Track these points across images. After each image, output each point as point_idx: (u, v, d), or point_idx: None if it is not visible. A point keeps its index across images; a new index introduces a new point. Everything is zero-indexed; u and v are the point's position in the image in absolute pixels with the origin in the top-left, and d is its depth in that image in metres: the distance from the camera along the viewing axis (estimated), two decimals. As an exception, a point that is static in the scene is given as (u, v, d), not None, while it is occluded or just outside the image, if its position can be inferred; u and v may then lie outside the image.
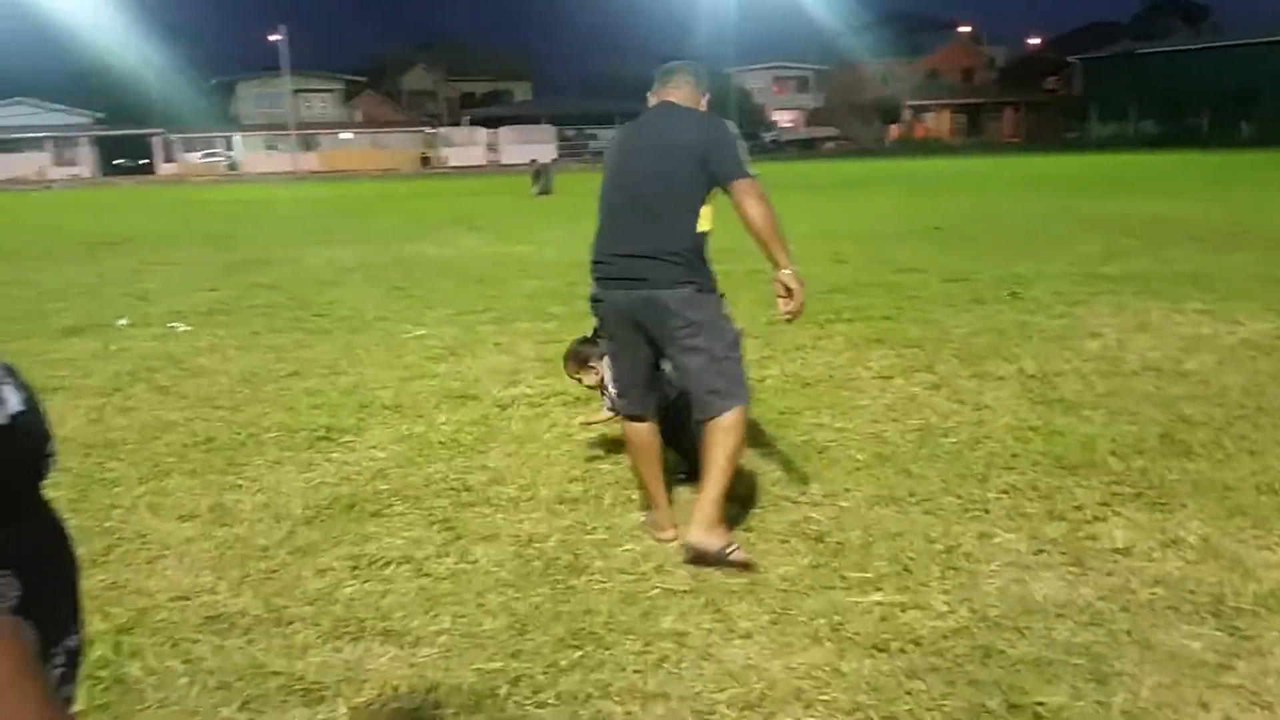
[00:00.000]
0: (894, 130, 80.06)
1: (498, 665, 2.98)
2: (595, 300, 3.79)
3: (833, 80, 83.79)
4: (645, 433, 3.92)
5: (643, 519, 4.03)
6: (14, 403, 1.06)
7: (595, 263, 3.74)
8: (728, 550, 3.57)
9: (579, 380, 4.68)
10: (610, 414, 4.39)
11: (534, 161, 35.26)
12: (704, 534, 3.57)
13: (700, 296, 3.62)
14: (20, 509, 1.10)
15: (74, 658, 1.19)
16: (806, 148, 70.87)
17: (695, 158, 3.56)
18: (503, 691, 2.84)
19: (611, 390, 4.14)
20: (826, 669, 2.90)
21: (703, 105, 3.85)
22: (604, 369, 4.25)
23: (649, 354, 3.79)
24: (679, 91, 3.82)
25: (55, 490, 4.45)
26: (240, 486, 4.59)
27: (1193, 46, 70.45)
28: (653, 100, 3.85)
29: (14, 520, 1.08)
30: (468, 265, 12.59)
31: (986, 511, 4.04)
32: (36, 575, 1.09)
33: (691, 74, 3.88)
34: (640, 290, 3.61)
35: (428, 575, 3.61)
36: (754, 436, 5.08)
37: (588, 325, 7.75)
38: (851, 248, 13.00)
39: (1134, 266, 10.48)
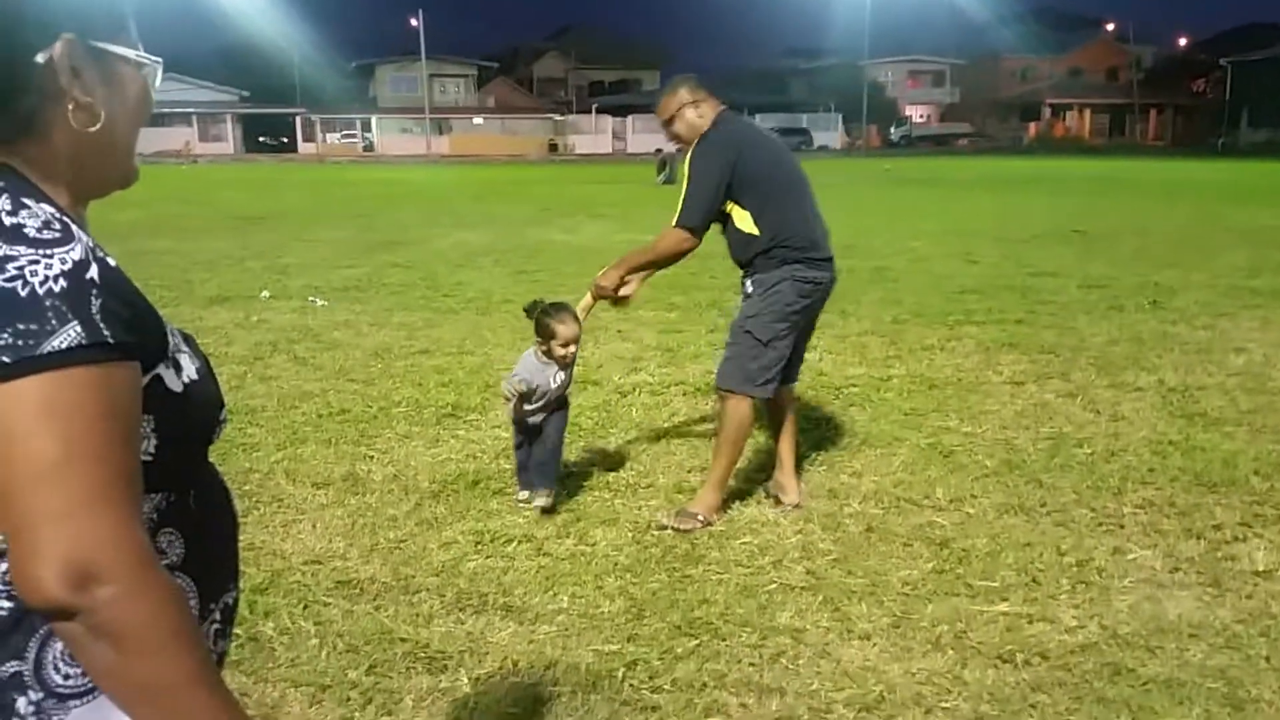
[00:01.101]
0: (1032, 129, 77.68)
1: (614, 648, 3.02)
2: (816, 283, 3.97)
3: (970, 75, 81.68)
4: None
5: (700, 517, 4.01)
6: (190, 370, 1.11)
7: (812, 246, 3.96)
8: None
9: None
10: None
11: (659, 151, 35.29)
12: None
13: None
14: (188, 471, 1.15)
15: (229, 614, 1.24)
16: (939, 144, 69.31)
17: None
18: (619, 674, 2.87)
19: (761, 376, 3.98)
20: (948, 676, 2.85)
21: None
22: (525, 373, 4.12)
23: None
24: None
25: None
26: (371, 457, 4.74)
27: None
28: (719, 108, 4.06)
29: (181, 481, 1.13)
30: (592, 252, 12.70)
31: (1121, 526, 3.91)
32: (198, 535, 1.14)
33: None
34: (832, 272, 4.06)
35: (548, 555, 3.67)
36: (878, 437, 5.02)
37: (710, 316, 7.73)
38: (985, 248, 12.68)
39: (1286, 280, 9.97)
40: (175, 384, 1.07)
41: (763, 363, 3.93)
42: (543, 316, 4.11)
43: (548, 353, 4.09)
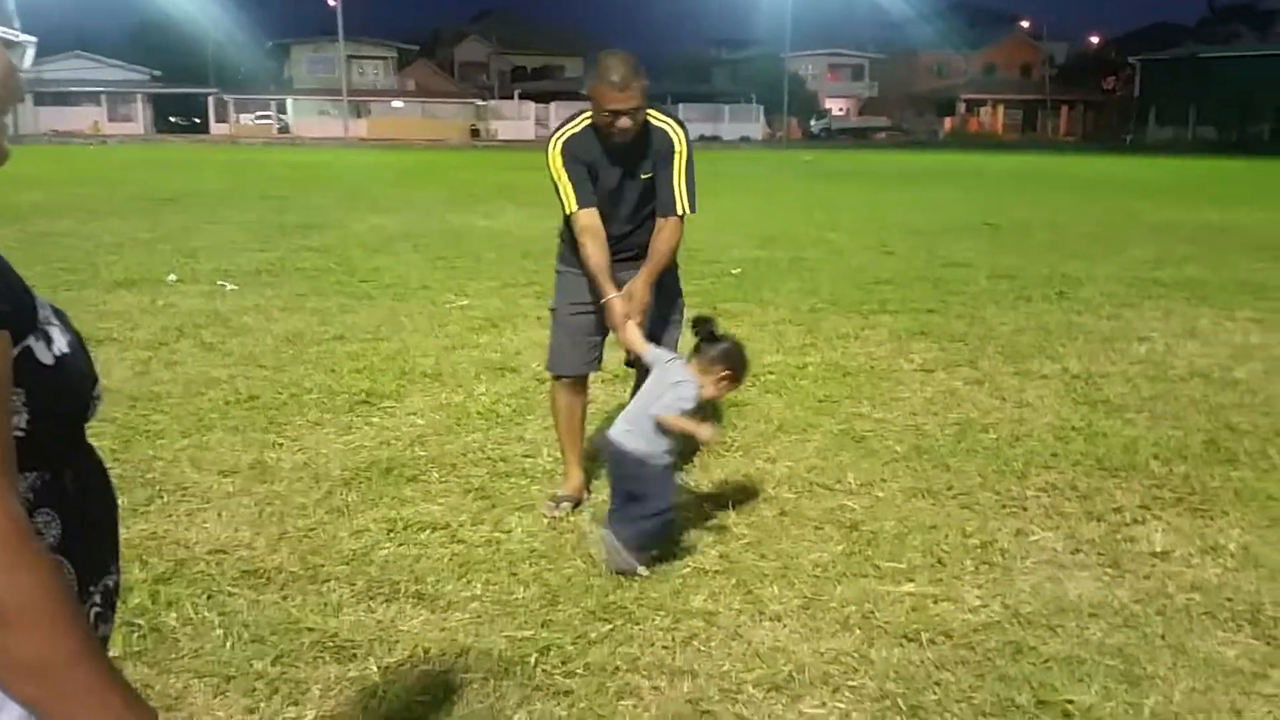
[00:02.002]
0: (948, 123, 79.17)
1: (528, 634, 3.01)
2: None
3: (888, 70, 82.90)
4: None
5: None
6: (61, 344, 1.08)
7: None
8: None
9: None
10: None
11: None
12: None
13: None
14: (63, 450, 1.11)
15: (110, 598, 1.21)
16: (858, 137, 70.25)
17: None
18: (532, 660, 2.86)
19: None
20: (855, 655, 2.90)
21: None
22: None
23: None
24: None
25: (99, 440, 4.52)
26: (281, 445, 4.65)
27: (1259, 53, 68.95)
28: None
29: (57, 460, 1.09)
30: (513, 239, 12.62)
31: (1024, 509, 4.01)
32: (75, 515, 1.11)
33: None
34: None
35: (462, 542, 3.64)
36: (793, 424, 5.08)
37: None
38: (900, 240, 12.89)
39: (1187, 273, 10.31)
40: (46, 356, 1.04)
41: None
42: (738, 349, 3.53)
43: (712, 385, 3.47)
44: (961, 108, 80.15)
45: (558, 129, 4.00)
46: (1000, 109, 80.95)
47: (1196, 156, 48.28)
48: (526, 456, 4.55)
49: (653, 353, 3.65)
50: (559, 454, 4.27)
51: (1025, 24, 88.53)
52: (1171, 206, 19.19)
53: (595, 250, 3.81)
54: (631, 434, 3.44)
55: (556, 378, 4.19)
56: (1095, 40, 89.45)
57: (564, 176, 3.91)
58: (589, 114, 3.83)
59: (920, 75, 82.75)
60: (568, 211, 3.95)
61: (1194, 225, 15.41)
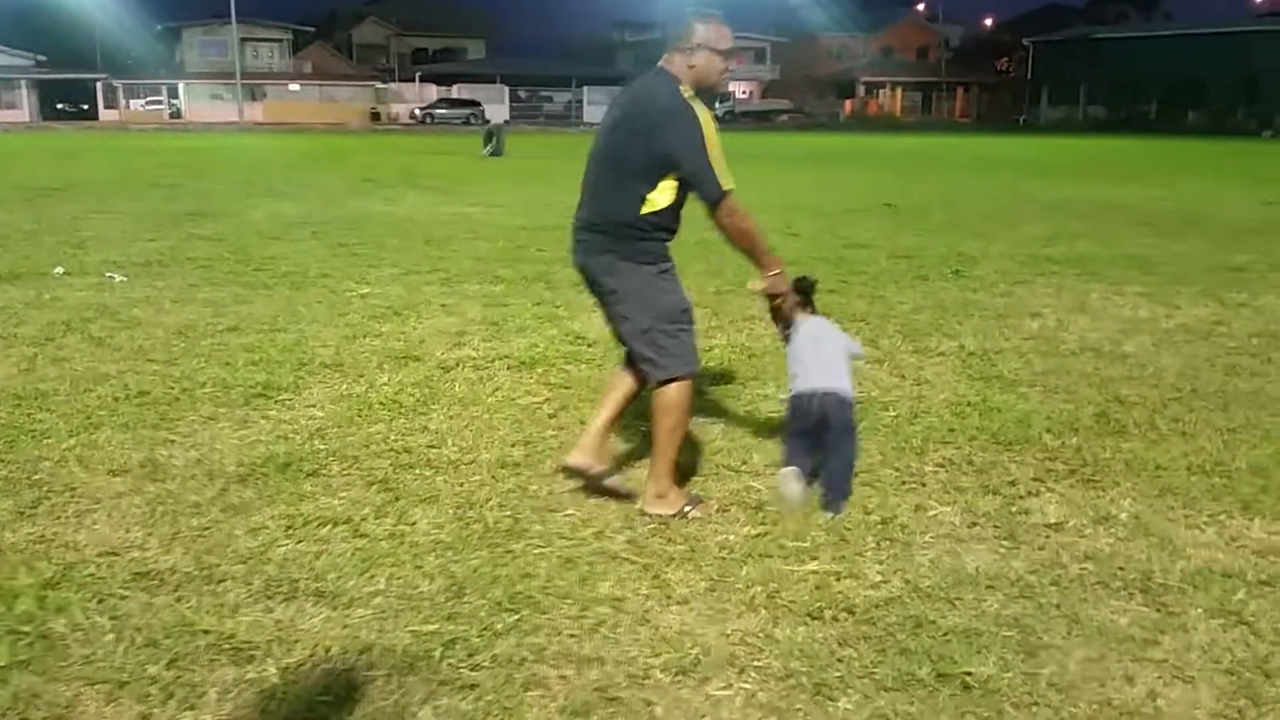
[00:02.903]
0: (848, 106, 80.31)
1: (433, 628, 2.96)
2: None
3: (789, 53, 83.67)
4: (615, 376, 3.96)
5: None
6: None
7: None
8: (684, 513, 3.73)
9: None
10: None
11: (486, 122, 34.88)
12: (654, 507, 3.75)
13: (621, 265, 3.64)
14: None
15: None
16: (761, 119, 70.82)
17: (636, 131, 3.56)
18: (437, 654, 2.82)
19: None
20: (761, 635, 2.92)
21: (686, 70, 3.60)
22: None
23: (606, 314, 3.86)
24: (663, 60, 3.66)
25: (-19, 440, 4.35)
26: (173, 442, 4.51)
27: (1145, 34, 71.38)
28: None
29: None
30: (415, 225, 12.44)
31: (923, 484, 4.09)
32: None
33: (660, 42, 3.75)
34: (586, 258, 3.76)
35: (364, 536, 3.57)
36: (697, 405, 5.09)
37: (536, 289, 7.73)
38: (803, 221, 13.04)
39: (1078, 249, 10.63)
40: None
41: None
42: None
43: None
44: (861, 90, 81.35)
45: (675, 91, 3.51)
46: (899, 91, 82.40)
47: (1088, 135, 49.87)
48: (431, 447, 4.48)
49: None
50: (466, 441, 4.21)
51: (921, 7, 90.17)
52: (1064, 184, 19.77)
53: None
54: (841, 383, 3.86)
55: (691, 377, 3.75)
56: (989, 23, 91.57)
57: (719, 148, 3.49)
58: (680, 83, 3.53)
59: (820, 59, 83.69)
60: (728, 187, 3.50)
61: (1085, 203, 15.91)
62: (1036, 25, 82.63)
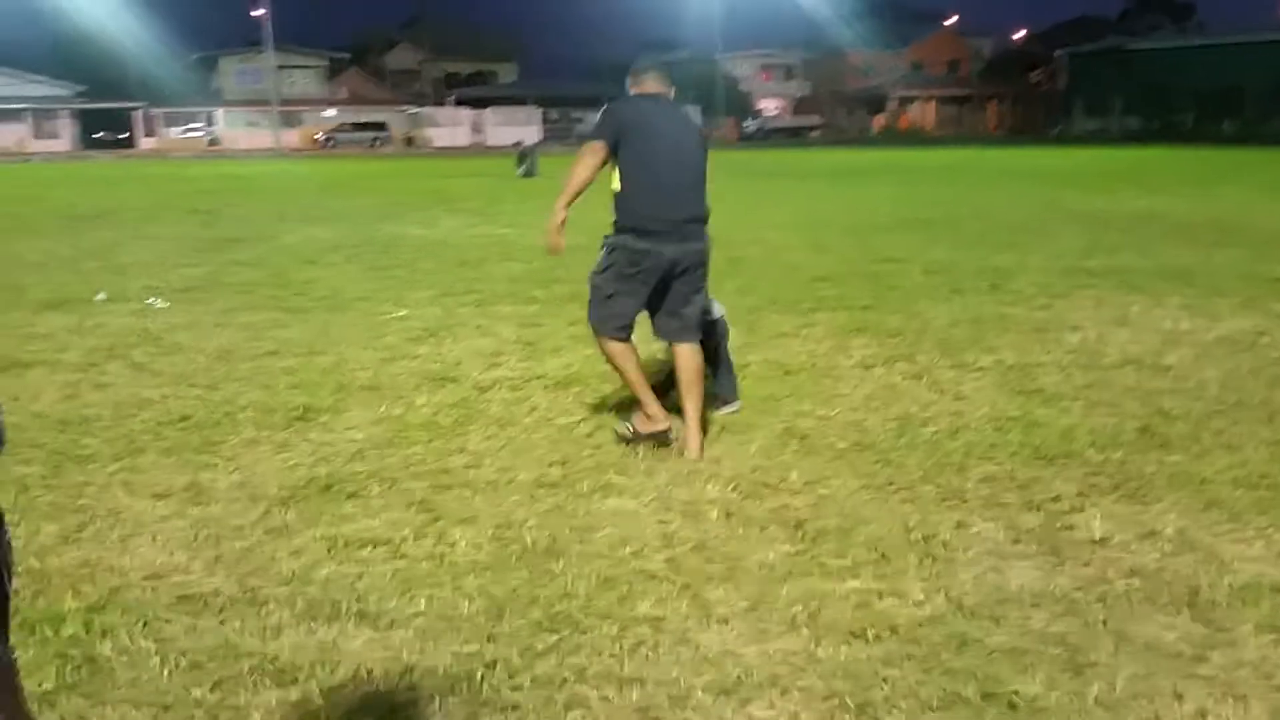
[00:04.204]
0: (879, 120, 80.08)
1: (473, 649, 2.97)
2: (645, 253, 4.54)
3: (818, 69, 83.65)
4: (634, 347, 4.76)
5: (629, 427, 4.72)
6: None
7: (651, 221, 4.54)
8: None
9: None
10: None
11: (519, 143, 35.14)
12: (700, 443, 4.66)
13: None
14: None
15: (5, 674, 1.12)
16: (792, 136, 70.83)
17: (704, 145, 4.79)
18: (478, 675, 2.82)
19: (612, 323, 4.67)
20: (803, 655, 2.90)
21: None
22: None
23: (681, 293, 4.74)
24: (663, 86, 4.76)
25: (28, 467, 4.42)
26: (215, 465, 4.55)
27: (1179, 44, 70.66)
28: (648, 87, 4.74)
29: None
30: (450, 247, 12.52)
31: (964, 501, 4.05)
32: None
33: (666, 72, 4.83)
34: (693, 244, 4.65)
35: (404, 557, 3.59)
36: (735, 423, 5.09)
37: (570, 309, 7.75)
38: (835, 237, 13.00)
39: (1116, 261, 10.52)
40: None
41: (608, 311, 4.64)
42: None
43: None
44: (892, 105, 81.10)
45: None
46: (930, 105, 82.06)
47: (1122, 146, 49.42)
48: (469, 468, 4.50)
49: None
50: (504, 461, 4.22)
51: (951, 21, 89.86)
52: (1099, 196, 19.60)
53: None
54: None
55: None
56: (1021, 35, 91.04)
57: None
58: None
59: (850, 74, 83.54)
60: None
61: (1122, 214, 15.76)
62: (1069, 37, 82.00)
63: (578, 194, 4.54)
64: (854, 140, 66.25)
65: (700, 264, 4.72)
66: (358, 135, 63.56)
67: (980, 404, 5.37)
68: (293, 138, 63.12)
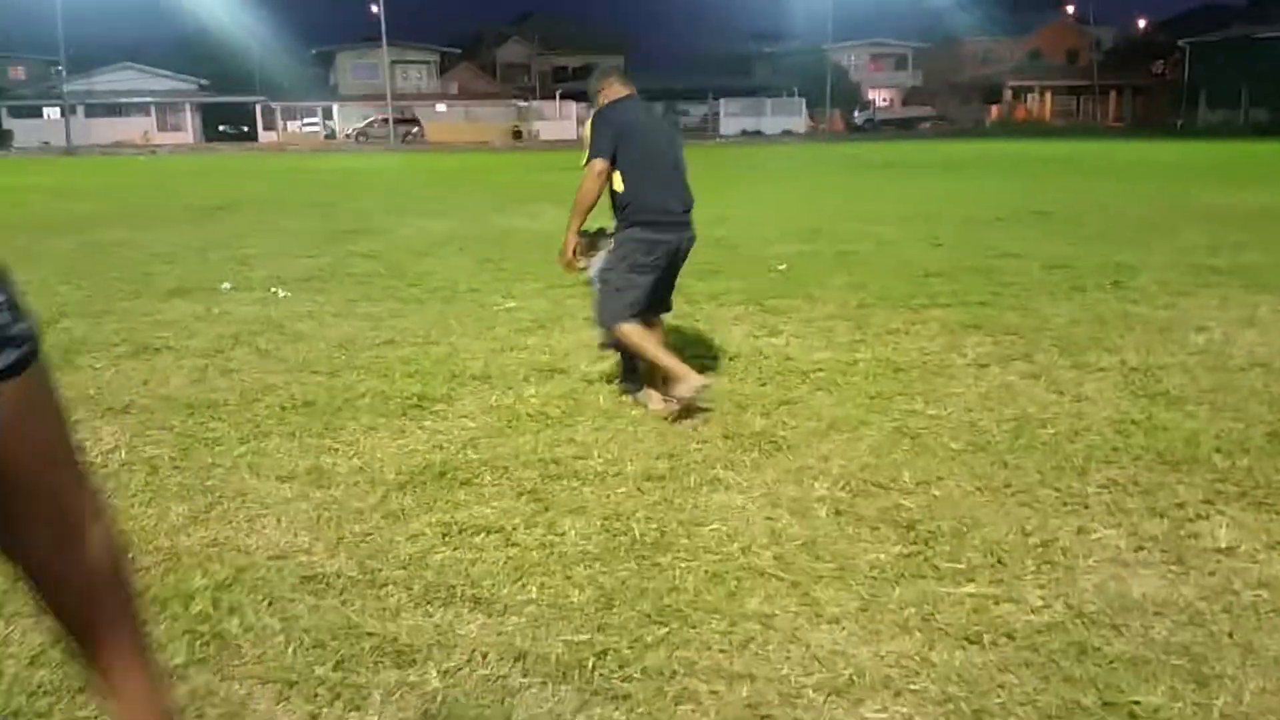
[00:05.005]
0: (994, 111, 78.15)
1: (584, 638, 3.01)
2: (658, 242, 5.06)
3: (931, 58, 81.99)
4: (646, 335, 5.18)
5: (674, 399, 5.03)
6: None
7: (660, 212, 5.06)
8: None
9: (578, 264, 5.42)
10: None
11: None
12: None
13: None
14: None
15: None
16: (903, 127, 69.58)
17: (680, 136, 5.49)
18: (589, 664, 2.86)
19: (626, 312, 5.09)
20: (916, 658, 2.87)
21: None
22: (595, 262, 5.38)
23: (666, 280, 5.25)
24: (629, 86, 5.18)
25: (158, 449, 4.62)
26: (336, 450, 4.70)
27: (1312, 32, 67.33)
28: (618, 91, 5.15)
29: None
30: (557, 239, 12.59)
31: (1085, 506, 3.95)
32: None
33: (624, 73, 5.35)
34: (688, 232, 5.18)
35: (516, 545, 3.65)
36: (844, 420, 5.04)
37: (674, 302, 7.75)
38: (948, 231, 12.75)
39: (1243, 259, 10.09)
40: None
41: (623, 302, 5.05)
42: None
43: None
44: (1007, 95, 79.04)
45: None
46: (1048, 95, 79.75)
47: (1249, 139, 47.28)
48: (577, 458, 4.56)
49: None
50: (611, 453, 4.26)
51: (1070, 9, 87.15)
52: (1225, 191, 18.81)
53: None
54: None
55: None
56: (1143, 24, 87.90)
57: None
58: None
59: (964, 63, 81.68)
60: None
61: (1248, 210, 15.10)
62: (1193, 26, 78.72)
63: (588, 214, 5.07)
64: (968, 131, 64.76)
65: (689, 250, 5.27)
66: (387, 131, 63.90)
67: (1102, 406, 5.22)
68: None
